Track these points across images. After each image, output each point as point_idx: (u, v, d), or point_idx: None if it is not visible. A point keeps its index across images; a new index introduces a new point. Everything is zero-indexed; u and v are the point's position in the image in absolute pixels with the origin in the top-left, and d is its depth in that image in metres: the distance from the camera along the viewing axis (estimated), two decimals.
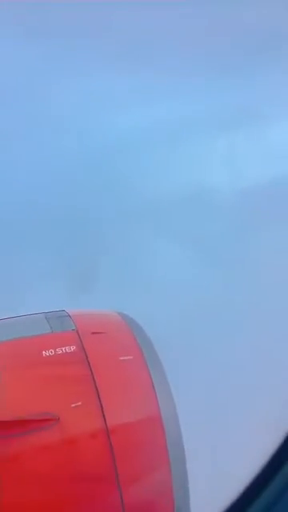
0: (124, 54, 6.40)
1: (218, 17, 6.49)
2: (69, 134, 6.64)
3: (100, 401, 2.00)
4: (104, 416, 1.98)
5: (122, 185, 6.51)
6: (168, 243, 6.30)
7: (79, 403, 2.01)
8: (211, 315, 5.22)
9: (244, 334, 4.94)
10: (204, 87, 6.49)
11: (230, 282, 5.66)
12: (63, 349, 2.12)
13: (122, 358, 2.12)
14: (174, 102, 6.51)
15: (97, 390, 2.02)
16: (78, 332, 2.19)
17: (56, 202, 6.24)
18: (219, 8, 6.48)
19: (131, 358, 2.12)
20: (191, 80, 6.49)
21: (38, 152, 6.44)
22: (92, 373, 2.05)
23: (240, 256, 6.00)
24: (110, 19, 6.54)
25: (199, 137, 6.61)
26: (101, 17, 6.48)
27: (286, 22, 6.28)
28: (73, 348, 2.12)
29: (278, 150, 6.60)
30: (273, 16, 6.38)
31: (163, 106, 6.58)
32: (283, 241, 5.89)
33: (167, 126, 6.59)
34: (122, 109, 6.57)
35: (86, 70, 6.63)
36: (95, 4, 6.60)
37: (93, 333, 2.20)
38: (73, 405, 2.01)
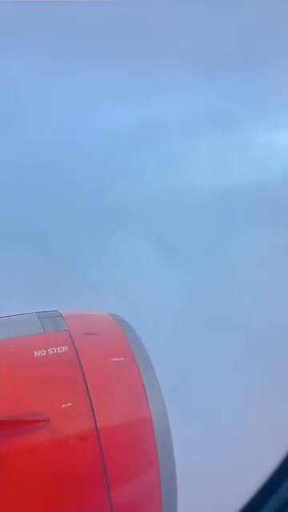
0: (107, 54, 6.41)
1: (205, 20, 6.54)
2: (45, 134, 6.62)
3: (91, 402, 1.99)
4: (94, 417, 1.97)
5: (98, 185, 6.53)
6: (143, 244, 6.33)
7: (69, 404, 2.00)
8: (193, 316, 5.27)
9: (228, 334, 5.01)
10: (187, 89, 6.54)
11: (207, 284, 5.73)
12: (55, 349, 2.10)
13: (113, 360, 2.12)
14: (157, 102, 6.56)
15: (87, 391, 2.01)
16: (69, 332, 2.18)
17: (31, 201, 6.21)
18: (206, 11, 6.54)
19: (123, 359, 2.12)
20: (175, 82, 6.54)
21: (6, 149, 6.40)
22: (83, 374, 2.04)
23: (218, 257, 6.07)
24: (94, 18, 6.55)
25: (181, 139, 6.66)
26: (85, 16, 6.50)
27: (271, 30, 6.37)
28: (64, 349, 2.11)
29: (259, 154, 6.70)
30: (259, 24, 6.46)
31: (145, 107, 6.62)
32: (263, 244, 5.98)
33: (148, 128, 6.62)
34: (105, 109, 6.58)
35: (67, 69, 6.62)
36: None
37: (85, 333, 2.19)
38: (63, 406, 1.99)
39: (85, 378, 2.03)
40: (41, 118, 6.42)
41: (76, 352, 2.10)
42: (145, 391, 2.05)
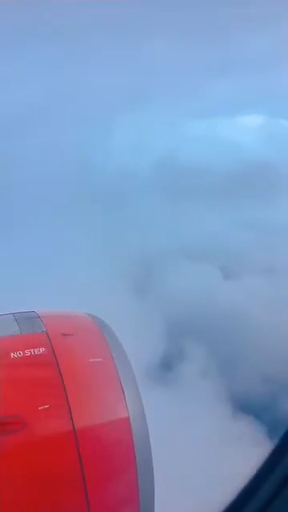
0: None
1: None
2: None
3: (68, 403, 1.97)
4: (72, 419, 1.96)
5: None
6: None
7: (47, 406, 1.97)
8: None
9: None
10: None
11: None
12: (32, 351, 2.07)
13: (91, 360, 2.11)
14: None
15: (65, 392, 1.99)
16: (47, 333, 2.15)
17: None
18: None
19: (101, 360, 2.12)
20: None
21: None
22: (61, 375, 2.02)
23: None
24: None
25: None
26: None
27: None
28: (42, 350, 2.08)
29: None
30: None
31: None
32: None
33: None
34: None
35: None
36: None
37: (63, 334, 2.16)
38: (40, 407, 1.97)
39: (62, 380, 2.01)
40: None
41: (54, 353, 2.08)
42: (123, 392, 2.06)
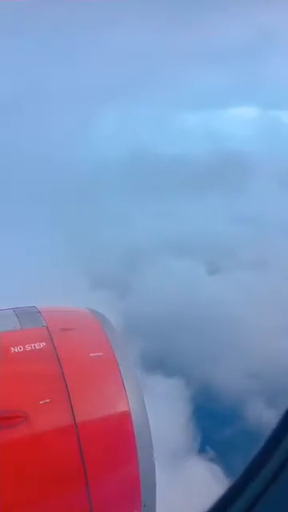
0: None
1: None
2: None
3: (69, 397, 1.97)
4: (73, 413, 1.96)
5: None
6: None
7: (48, 400, 1.97)
8: None
9: None
10: None
11: None
12: (32, 345, 2.07)
13: (92, 355, 2.10)
14: None
15: (66, 386, 1.99)
16: (47, 328, 2.15)
17: None
18: None
19: (101, 354, 2.11)
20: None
21: None
22: (61, 369, 2.02)
23: None
24: None
25: None
26: None
27: None
28: (42, 344, 2.08)
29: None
30: None
31: None
32: None
33: None
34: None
35: None
36: None
37: (63, 329, 2.16)
38: (41, 402, 1.96)
39: (63, 374, 2.01)
40: None
41: (54, 348, 2.07)
42: (123, 386, 2.06)
